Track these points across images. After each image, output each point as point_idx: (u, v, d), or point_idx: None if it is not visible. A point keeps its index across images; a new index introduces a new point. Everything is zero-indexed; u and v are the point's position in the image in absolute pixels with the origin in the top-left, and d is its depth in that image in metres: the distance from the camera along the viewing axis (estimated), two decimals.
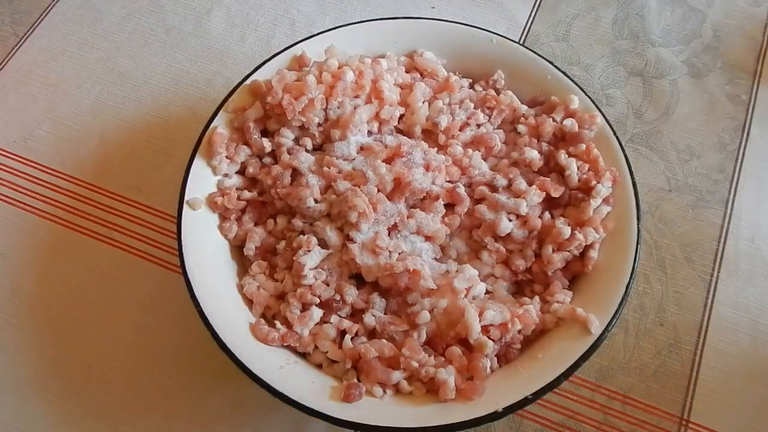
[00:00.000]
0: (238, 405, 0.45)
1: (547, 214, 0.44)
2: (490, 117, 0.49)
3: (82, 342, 0.48)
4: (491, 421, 0.38)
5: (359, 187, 0.43)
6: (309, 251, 0.43)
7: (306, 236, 0.44)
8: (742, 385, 0.45)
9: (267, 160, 0.48)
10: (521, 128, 0.48)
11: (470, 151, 0.47)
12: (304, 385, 0.40)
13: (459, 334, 0.40)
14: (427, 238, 0.44)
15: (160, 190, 0.53)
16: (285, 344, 0.42)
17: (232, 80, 0.51)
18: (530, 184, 0.44)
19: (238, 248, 0.46)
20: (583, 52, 0.59)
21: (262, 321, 0.42)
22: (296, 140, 0.48)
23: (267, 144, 0.47)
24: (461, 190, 0.44)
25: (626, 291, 0.40)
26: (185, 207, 0.44)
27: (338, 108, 0.46)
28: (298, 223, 0.45)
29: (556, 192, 0.44)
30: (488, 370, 0.40)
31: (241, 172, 0.48)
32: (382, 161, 0.45)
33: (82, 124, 0.57)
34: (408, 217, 0.43)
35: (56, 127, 0.57)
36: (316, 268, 0.43)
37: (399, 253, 0.43)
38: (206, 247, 0.44)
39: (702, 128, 0.55)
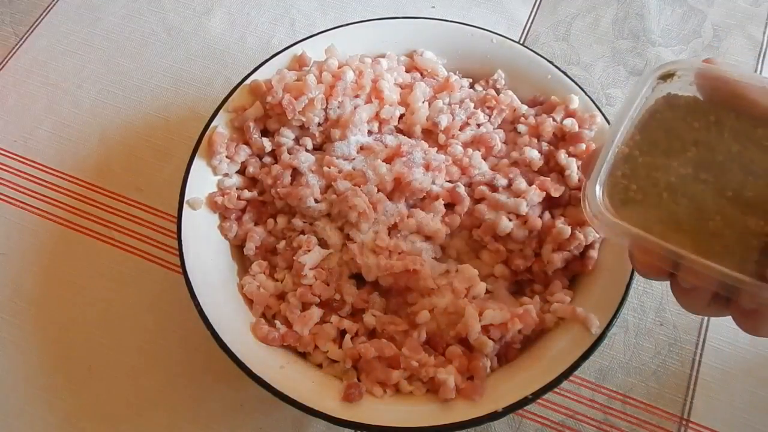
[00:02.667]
0: (238, 405, 0.45)
1: (547, 214, 0.44)
2: (490, 117, 0.49)
3: (83, 342, 0.48)
4: (491, 420, 0.38)
5: (359, 186, 0.43)
6: (309, 251, 0.43)
7: (306, 236, 0.44)
8: (742, 385, 0.45)
9: (267, 159, 0.48)
10: (521, 128, 0.48)
11: (470, 150, 0.47)
12: (304, 385, 0.40)
13: (459, 334, 0.40)
14: (427, 238, 0.44)
15: (160, 189, 0.53)
16: (285, 344, 0.42)
17: (233, 80, 0.51)
18: (530, 183, 0.44)
19: (238, 248, 0.46)
20: (583, 52, 0.59)
21: (262, 321, 0.42)
22: (296, 140, 0.48)
23: (267, 144, 0.47)
24: (461, 189, 0.44)
25: (626, 291, 0.40)
26: (185, 207, 0.44)
27: (338, 108, 0.46)
28: (298, 222, 0.45)
29: (556, 192, 0.44)
30: (488, 369, 0.40)
31: (241, 171, 0.48)
32: (382, 161, 0.45)
33: (83, 124, 0.57)
34: (408, 217, 0.43)
35: (56, 126, 0.57)
36: (316, 267, 0.43)
37: (399, 253, 0.43)
38: (206, 247, 0.44)
39: None
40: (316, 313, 0.42)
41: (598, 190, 0.30)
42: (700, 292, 0.29)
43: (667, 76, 0.31)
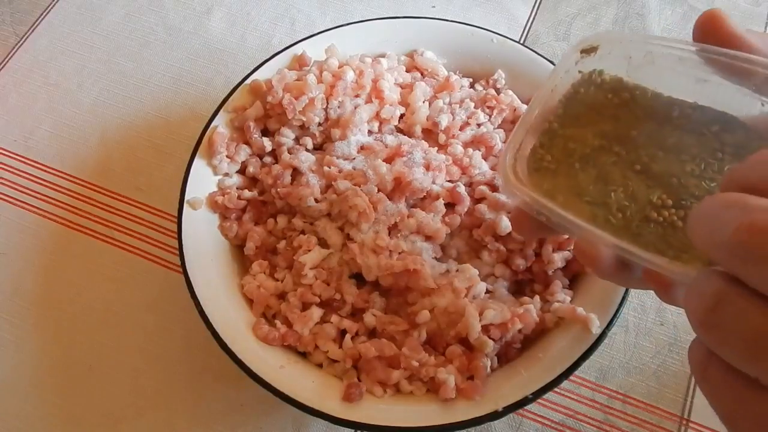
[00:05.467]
0: (238, 404, 0.45)
1: None
2: (490, 116, 0.49)
3: (83, 341, 0.48)
4: (491, 420, 0.38)
5: (359, 186, 0.43)
6: (309, 251, 0.43)
7: (306, 236, 0.44)
8: None
9: (267, 159, 0.48)
10: None
11: (470, 150, 0.47)
12: (304, 385, 0.40)
13: (459, 334, 0.40)
14: (428, 238, 0.44)
15: (160, 189, 0.53)
16: (285, 344, 0.42)
17: (233, 80, 0.51)
18: None
19: (238, 248, 0.46)
20: None
21: (263, 320, 0.42)
22: (297, 140, 0.48)
23: (267, 143, 0.47)
24: (461, 189, 0.44)
25: (626, 290, 0.40)
26: (186, 206, 0.44)
27: (338, 107, 0.46)
28: (298, 222, 0.45)
29: None
30: (488, 369, 0.40)
31: (242, 171, 0.48)
32: (383, 161, 0.45)
33: (83, 124, 0.57)
34: (408, 217, 0.43)
35: (57, 126, 0.57)
36: (316, 267, 0.43)
37: (399, 253, 0.43)
38: (206, 247, 0.44)
39: None
40: (316, 312, 0.42)
41: (509, 157, 0.30)
42: (602, 259, 0.28)
43: (589, 50, 0.31)
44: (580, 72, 0.31)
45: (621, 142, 0.29)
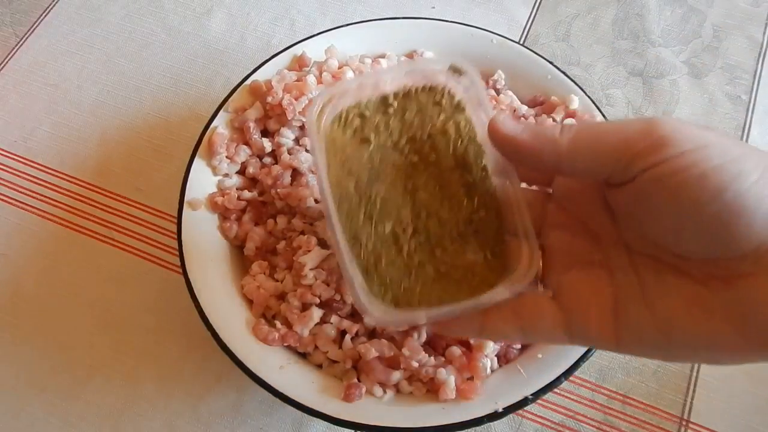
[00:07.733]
0: (238, 405, 0.45)
1: None
2: None
3: (83, 342, 0.48)
4: (491, 420, 0.38)
5: None
6: (309, 251, 0.43)
7: (306, 236, 0.44)
8: (742, 385, 0.45)
9: (267, 160, 0.48)
10: None
11: None
12: (304, 385, 0.40)
13: None
14: None
15: (160, 190, 0.53)
16: (285, 344, 0.42)
17: (233, 80, 0.51)
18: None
19: (238, 248, 0.46)
20: (583, 52, 0.59)
21: (263, 321, 0.42)
22: (296, 140, 0.48)
23: (267, 144, 0.47)
24: None
25: None
26: (185, 207, 0.44)
27: None
28: (298, 223, 0.45)
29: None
30: (488, 369, 0.40)
31: (242, 172, 0.48)
32: None
33: (83, 124, 0.57)
34: None
35: (56, 127, 0.57)
36: (316, 268, 0.43)
37: None
38: (206, 247, 0.44)
39: None
40: (316, 313, 0.42)
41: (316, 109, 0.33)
42: None
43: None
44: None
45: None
